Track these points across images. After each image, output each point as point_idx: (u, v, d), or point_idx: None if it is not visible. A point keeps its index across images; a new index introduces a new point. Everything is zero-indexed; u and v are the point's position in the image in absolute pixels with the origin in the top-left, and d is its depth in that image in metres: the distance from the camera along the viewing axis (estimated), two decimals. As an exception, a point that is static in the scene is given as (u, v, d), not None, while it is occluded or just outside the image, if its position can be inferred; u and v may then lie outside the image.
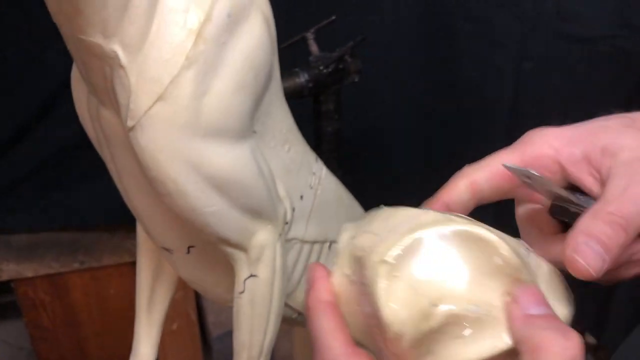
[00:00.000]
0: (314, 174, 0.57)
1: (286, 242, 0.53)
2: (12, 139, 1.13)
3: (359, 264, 0.31)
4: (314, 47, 0.82)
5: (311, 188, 0.56)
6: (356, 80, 0.85)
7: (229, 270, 0.50)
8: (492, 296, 0.30)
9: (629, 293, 0.96)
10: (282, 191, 0.51)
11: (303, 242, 0.55)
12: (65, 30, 0.40)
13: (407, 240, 0.30)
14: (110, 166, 0.48)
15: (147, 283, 0.57)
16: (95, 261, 1.26)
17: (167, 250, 0.51)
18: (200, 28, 0.40)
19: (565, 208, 0.38)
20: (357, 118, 0.98)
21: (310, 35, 0.83)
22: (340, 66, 0.82)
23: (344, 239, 0.34)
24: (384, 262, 0.30)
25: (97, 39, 0.38)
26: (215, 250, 0.48)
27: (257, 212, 0.47)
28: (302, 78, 0.79)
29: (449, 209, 0.40)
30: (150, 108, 0.39)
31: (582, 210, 0.37)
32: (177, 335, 1.36)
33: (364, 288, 0.30)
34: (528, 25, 1.01)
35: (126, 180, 0.47)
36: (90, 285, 1.29)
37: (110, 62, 0.39)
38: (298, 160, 0.54)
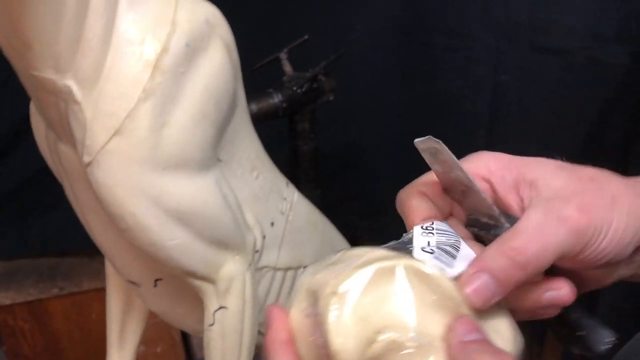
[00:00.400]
0: (285, 199, 0.56)
1: (257, 270, 0.52)
2: (-13, 165, 1.11)
3: (314, 297, 0.32)
4: (287, 67, 0.82)
5: (282, 214, 0.55)
6: (331, 99, 0.84)
7: (198, 301, 0.49)
8: (434, 328, 0.31)
9: (612, 302, 0.96)
10: (251, 219, 0.50)
11: (275, 269, 0.54)
12: (16, 65, 0.39)
13: (358, 273, 0.31)
14: (72, 199, 0.47)
15: (117, 317, 0.56)
16: (75, 286, 1.24)
17: (134, 283, 0.50)
18: (157, 59, 0.39)
19: (478, 219, 0.38)
20: (333, 135, 0.97)
21: (283, 55, 0.82)
22: (314, 85, 0.81)
23: (304, 276, 0.34)
24: (335, 293, 0.31)
25: (50, 75, 0.37)
26: (183, 282, 0.47)
27: (224, 243, 0.46)
28: (276, 98, 0.78)
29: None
30: (106, 143, 0.38)
31: (493, 226, 0.37)
32: (161, 357, 1.34)
33: (317, 319, 0.31)
34: (503, 38, 1.01)
35: (88, 214, 0.46)
36: (70, 311, 1.26)
37: (64, 97, 0.38)
38: (267, 186, 0.53)
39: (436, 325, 0.31)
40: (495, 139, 1.03)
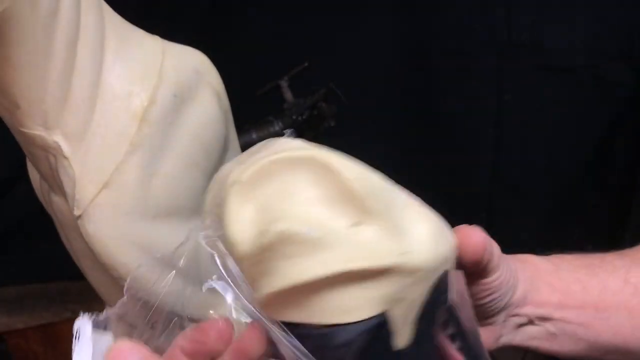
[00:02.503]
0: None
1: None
2: (-2, 192, 1.13)
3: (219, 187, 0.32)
4: (288, 95, 0.82)
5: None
6: (332, 125, 0.85)
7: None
8: (335, 223, 0.30)
9: None
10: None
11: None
12: (7, 122, 0.39)
13: (261, 162, 0.30)
14: (67, 245, 0.48)
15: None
16: (86, 309, 1.24)
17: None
18: (144, 112, 0.40)
19: None
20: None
21: (283, 83, 0.83)
22: (315, 112, 0.82)
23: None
24: (237, 182, 0.30)
25: (39, 131, 0.38)
26: (179, 324, 0.47)
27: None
28: (277, 127, 0.79)
29: None
30: (95, 197, 0.39)
31: None
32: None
33: (220, 211, 0.31)
34: (506, 57, 1.01)
35: (82, 260, 0.46)
36: (82, 334, 1.27)
37: (53, 152, 0.39)
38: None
39: (340, 220, 0.30)
40: (501, 159, 1.03)
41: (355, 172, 0.31)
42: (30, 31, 0.34)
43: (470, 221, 1.04)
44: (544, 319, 0.43)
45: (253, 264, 0.30)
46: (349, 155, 0.33)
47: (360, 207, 0.30)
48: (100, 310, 1.24)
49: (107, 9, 0.40)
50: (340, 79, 0.94)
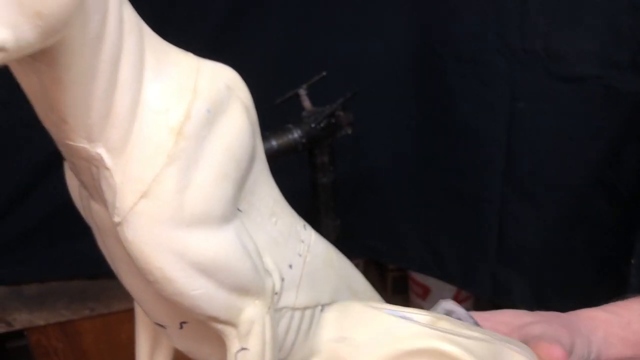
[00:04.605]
0: (302, 241, 0.58)
1: (276, 311, 0.54)
2: (21, 192, 1.16)
3: None
4: (306, 103, 0.85)
5: (300, 256, 0.58)
6: (349, 132, 0.87)
7: (221, 342, 0.52)
8: None
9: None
10: (270, 264, 0.53)
11: (294, 309, 0.57)
12: (53, 135, 0.42)
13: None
14: (103, 249, 0.50)
15: (146, 352, 0.59)
16: (105, 308, 1.28)
17: (161, 325, 0.53)
18: (180, 126, 0.42)
19: None
20: (351, 165, 1.00)
21: (302, 91, 0.85)
22: (333, 120, 0.84)
23: (323, 335, 0.37)
24: None
25: (83, 144, 0.41)
26: (207, 325, 0.50)
27: (245, 290, 0.49)
28: (296, 134, 0.81)
29: None
30: (135, 205, 0.42)
31: None
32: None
33: None
34: (518, 65, 1.03)
35: (118, 264, 0.49)
36: (101, 331, 1.31)
37: (96, 163, 0.42)
38: (286, 231, 0.56)
39: None
40: (512, 166, 1.05)
41: (471, 352, 0.34)
42: (78, 54, 0.37)
43: (483, 224, 1.06)
44: None
45: None
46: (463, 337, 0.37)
47: None
48: (119, 309, 1.28)
49: (147, 29, 0.43)
50: (356, 86, 0.97)
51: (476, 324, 0.40)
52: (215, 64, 0.47)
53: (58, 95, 0.38)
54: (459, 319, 0.40)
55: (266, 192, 0.54)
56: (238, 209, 0.49)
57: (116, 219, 0.42)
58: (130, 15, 0.41)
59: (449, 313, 0.40)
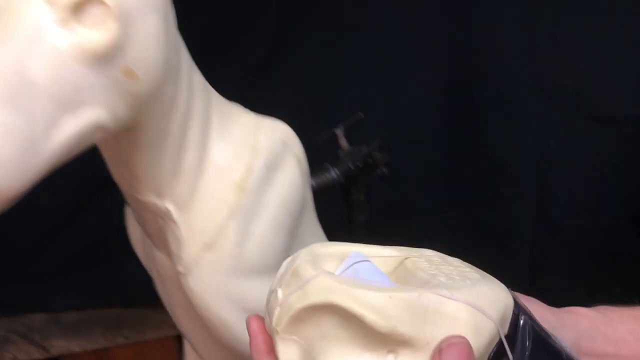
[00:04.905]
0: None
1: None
2: (62, 222, 1.20)
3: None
4: (343, 142, 0.87)
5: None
6: (385, 172, 0.89)
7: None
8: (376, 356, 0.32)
9: None
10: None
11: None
12: (124, 189, 0.45)
13: (291, 312, 0.34)
14: (162, 294, 0.53)
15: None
16: (139, 336, 1.30)
17: (213, 367, 0.55)
18: (242, 181, 0.45)
19: None
20: (386, 202, 1.02)
21: (339, 131, 0.88)
22: (369, 160, 0.87)
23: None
24: (276, 331, 0.34)
25: (152, 198, 0.44)
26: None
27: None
28: (334, 173, 0.84)
29: None
30: (198, 256, 0.44)
31: None
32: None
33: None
34: (549, 104, 1.04)
35: (176, 308, 0.51)
36: (134, 359, 1.33)
37: (163, 216, 0.44)
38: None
39: (379, 353, 0.32)
40: (544, 203, 1.06)
41: (376, 309, 0.32)
42: (153, 117, 0.40)
43: (514, 260, 1.07)
44: None
45: None
46: (377, 247, 0.38)
47: (391, 339, 0.32)
48: (153, 337, 1.29)
49: (212, 92, 0.46)
50: (391, 125, 0.99)
51: None
52: (271, 121, 0.50)
53: (132, 154, 0.41)
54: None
55: (315, 239, 0.56)
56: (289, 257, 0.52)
57: (180, 269, 0.45)
58: (199, 80, 0.44)
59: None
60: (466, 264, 0.40)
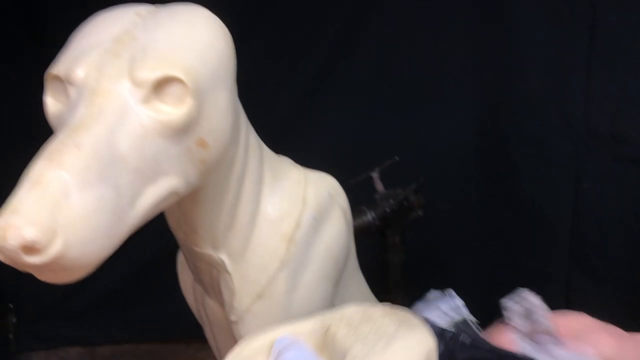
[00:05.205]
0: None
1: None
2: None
3: None
4: (379, 186, 0.89)
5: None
6: (420, 214, 0.90)
7: None
8: None
9: None
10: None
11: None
12: (181, 242, 0.47)
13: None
14: (211, 341, 0.55)
15: None
16: (172, 371, 1.32)
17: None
18: (292, 234, 0.47)
19: None
20: (420, 243, 1.02)
21: (375, 175, 0.89)
22: (405, 203, 0.88)
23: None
24: None
25: (208, 250, 0.46)
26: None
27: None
28: (370, 216, 0.85)
29: None
30: (250, 306, 0.46)
31: None
32: None
33: None
34: (583, 146, 1.04)
35: (224, 353, 0.53)
36: (167, 393, 1.34)
37: (217, 267, 0.47)
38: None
39: None
40: (578, 244, 1.06)
41: None
42: (215, 177, 0.42)
43: (548, 301, 1.06)
44: None
45: None
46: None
47: None
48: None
49: (265, 147, 0.48)
50: (425, 166, 1.01)
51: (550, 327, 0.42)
52: (319, 174, 0.52)
53: (193, 210, 0.43)
54: (536, 319, 0.42)
55: (357, 287, 0.58)
56: (333, 305, 0.53)
57: (232, 318, 0.47)
58: (254, 140, 0.46)
59: (527, 311, 0.42)
60: (389, 309, 0.44)
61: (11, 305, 1.27)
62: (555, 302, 1.08)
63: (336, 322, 0.42)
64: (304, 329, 0.42)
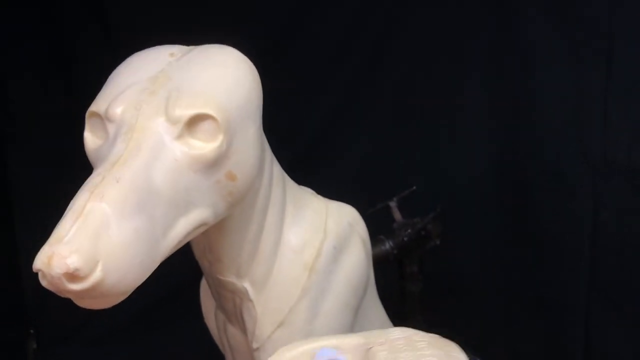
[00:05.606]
0: None
1: None
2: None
3: None
4: (397, 215, 0.90)
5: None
6: (438, 243, 0.91)
7: None
8: None
9: None
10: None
11: None
12: (205, 270, 0.49)
13: None
14: (231, 365, 0.56)
15: None
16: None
17: None
18: (313, 263, 0.48)
19: None
20: (438, 273, 1.03)
21: (393, 204, 0.91)
22: (423, 233, 0.89)
23: None
24: None
25: (232, 279, 0.47)
26: None
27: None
28: (387, 245, 0.86)
29: None
30: (272, 333, 0.47)
31: None
32: None
33: None
34: (600, 176, 1.05)
35: (246, 380, 0.54)
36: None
37: (240, 295, 0.48)
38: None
39: None
40: (597, 275, 1.05)
41: None
42: (240, 208, 0.44)
43: (567, 334, 1.05)
44: None
45: None
46: None
47: None
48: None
49: (288, 179, 0.50)
50: (443, 196, 1.02)
51: None
52: (339, 204, 0.53)
53: (218, 239, 0.45)
54: None
55: (375, 315, 0.59)
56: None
57: (254, 345, 0.48)
58: (278, 171, 0.48)
59: None
60: (435, 339, 0.43)
61: (32, 331, 1.29)
62: (574, 334, 1.08)
63: (379, 343, 0.42)
64: (348, 344, 0.42)
